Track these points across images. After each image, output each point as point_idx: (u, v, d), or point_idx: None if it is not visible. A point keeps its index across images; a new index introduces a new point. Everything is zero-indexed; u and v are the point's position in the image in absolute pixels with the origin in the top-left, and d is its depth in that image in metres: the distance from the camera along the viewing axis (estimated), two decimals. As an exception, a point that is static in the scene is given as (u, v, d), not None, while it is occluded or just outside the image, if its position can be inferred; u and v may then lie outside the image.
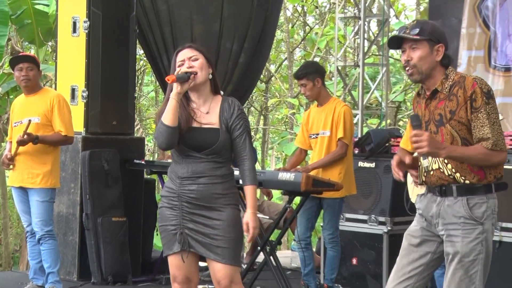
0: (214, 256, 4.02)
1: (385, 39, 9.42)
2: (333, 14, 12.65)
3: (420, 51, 3.65)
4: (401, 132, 8.36)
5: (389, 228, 6.58)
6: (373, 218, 6.71)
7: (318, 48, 14.63)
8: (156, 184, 10.00)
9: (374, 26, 13.81)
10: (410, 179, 4.75)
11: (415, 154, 3.75)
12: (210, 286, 5.95)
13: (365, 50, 9.00)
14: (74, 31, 7.00)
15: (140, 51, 10.75)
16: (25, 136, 5.96)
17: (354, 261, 6.81)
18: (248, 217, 4.07)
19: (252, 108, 16.78)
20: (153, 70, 8.59)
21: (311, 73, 6.27)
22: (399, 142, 6.42)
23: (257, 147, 16.69)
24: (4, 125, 12.30)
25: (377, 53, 13.16)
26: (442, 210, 3.66)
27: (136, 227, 7.14)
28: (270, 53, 10.69)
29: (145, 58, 12.98)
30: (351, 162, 6.31)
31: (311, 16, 16.43)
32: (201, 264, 4.62)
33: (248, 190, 4.09)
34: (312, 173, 6.09)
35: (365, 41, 8.97)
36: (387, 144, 6.79)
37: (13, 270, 12.19)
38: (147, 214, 7.33)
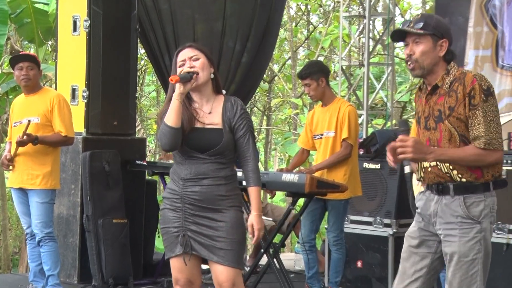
0: (217, 259, 4.02)
1: (390, 39, 9.42)
2: (338, 12, 12.65)
3: (423, 45, 3.65)
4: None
5: (394, 230, 6.58)
6: (378, 220, 6.71)
7: (322, 47, 14.64)
8: (158, 186, 10.00)
9: (379, 25, 13.82)
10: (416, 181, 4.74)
11: (406, 171, 3.73)
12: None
13: (370, 50, 9.01)
14: (75, 30, 7.01)
15: (141, 51, 10.75)
16: (25, 137, 5.96)
17: (359, 264, 6.81)
18: (252, 219, 4.07)
19: (255, 108, 16.79)
20: (155, 69, 8.60)
21: (315, 72, 6.26)
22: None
23: (260, 148, 16.69)
24: (4, 125, 12.32)
25: (382, 53, 13.13)
26: (440, 209, 3.67)
27: (137, 229, 7.14)
28: (273, 53, 10.68)
29: (146, 58, 12.98)
30: (356, 163, 6.30)
31: (315, 15, 16.43)
32: (203, 266, 4.62)
33: (252, 191, 4.09)
34: (316, 174, 6.09)
35: (370, 40, 8.97)
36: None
37: (12, 272, 12.20)
38: (149, 216, 7.33)
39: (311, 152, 6.71)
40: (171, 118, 3.99)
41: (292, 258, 8.44)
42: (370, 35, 9.12)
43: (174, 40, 8.02)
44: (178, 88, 4.00)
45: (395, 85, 12.57)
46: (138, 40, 7.56)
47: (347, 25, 10.12)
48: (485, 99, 3.57)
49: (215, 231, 4.03)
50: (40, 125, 6.09)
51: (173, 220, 4.07)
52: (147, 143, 11.84)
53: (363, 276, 6.79)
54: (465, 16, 7.20)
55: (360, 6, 9.64)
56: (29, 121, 6.01)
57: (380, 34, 10.55)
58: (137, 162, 7.07)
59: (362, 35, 9.23)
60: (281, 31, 14.06)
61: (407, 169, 3.70)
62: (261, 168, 14.49)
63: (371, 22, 9.26)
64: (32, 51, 12.62)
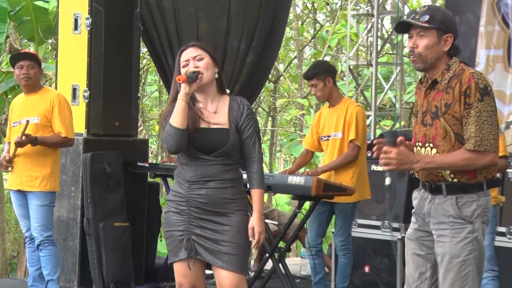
0: (221, 264, 4.02)
1: (399, 38, 9.43)
2: (345, 11, 12.66)
3: (427, 39, 3.65)
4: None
5: (403, 234, 6.57)
6: (386, 224, 6.70)
7: (329, 46, 14.63)
8: (160, 188, 10.01)
9: (387, 23, 13.81)
10: None
11: (386, 182, 3.75)
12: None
13: (379, 49, 9.01)
14: (76, 28, 7.01)
15: (143, 49, 10.76)
16: (23, 137, 5.96)
17: (367, 269, 6.81)
18: (254, 222, 4.07)
19: (259, 109, 16.78)
20: (157, 69, 8.60)
21: (322, 72, 6.26)
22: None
23: (265, 150, 16.70)
24: (2, 125, 12.34)
25: (391, 52, 13.15)
26: (433, 208, 3.68)
27: (139, 233, 7.14)
28: (279, 52, 10.68)
29: (148, 57, 13.01)
30: (365, 165, 6.30)
31: (321, 13, 16.42)
32: (207, 271, 4.62)
33: (255, 193, 4.09)
34: (323, 176, 6.09)
35: (378, 39, 8.96)
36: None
37: (10, 277, 12.21)
38: (151, 219, 7.34)
39: (318, 154, 6.70)
40: (177, 119, 3.98)
41: (298, 263, 8.44)
42: (379, 34, 9.12)
43: (177, 39, 8.02)
44: (184, 89, 4.00)
45: (404, 85, 12.56)
46: (141, 39, 7.57)
47: (355, 23, 10.12)
48: (480, 98, 3.57)
49: (220, 235, 4.03)
50: (40, 125, 6.10)
51: (177, 223, 4.07)
52: (149, 144, 11.84)
53: (371, 282, 6.79)
54: (476, 14, 7.21)
55: (368, 4, 9.64)
56: (27, 121, 6.00)
57: (389, 33, 10.54)
58: (139, 163, 7.07)
59: (370, 34, 9.22)
60: (287, 29, 14.06)
61: (387, 181, 3.74)
62: (266, 170, 14.50)
63: (379, 20, 9.26)
64: (31, 50, 12.64)
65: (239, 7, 8.25)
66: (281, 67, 16.28)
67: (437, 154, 3.64)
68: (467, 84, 3.58)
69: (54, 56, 10.42)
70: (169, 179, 7.06)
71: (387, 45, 11.48)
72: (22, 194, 6.16)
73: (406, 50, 11.33)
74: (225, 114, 4.09)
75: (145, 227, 7.27)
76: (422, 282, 3.75)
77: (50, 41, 11.95)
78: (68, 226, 6.98)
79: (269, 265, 6.40)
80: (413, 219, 3.81)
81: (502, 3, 7.02)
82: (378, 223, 6.75)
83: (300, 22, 15.37)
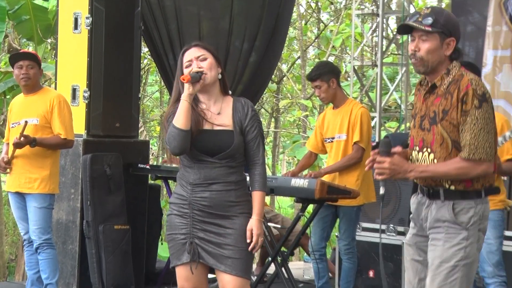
0: (224, 268, 4.02)
1: (405, 38, 9.43)
2: (349, 10, 12.66)
3: (429, 43, 3.65)
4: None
5: (408, 238, 6.57)
6: (391, 227, 6.70)
7: (333, 46, 14.64)
8: (161, 190, 10.01)
9: (393, 23, 13.80)
10: None
11: (381, 192, 3.79)
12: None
13: (384, 49, 9.02)
14: (76, 27, 7.02)
15: (144, 49, 10.77)
16: (22, 138, 5.96)
17: (371, 273, 6.80)
18: (253, 224, 4.06)
19: (262, 110, 16.79)
20: (158, 69, 8.61)
21: (325, 73, 6.26)
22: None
23: (268, 152, 16.70)
24: (1, 126, 12.35)
25: (396, 52, 13.15)
26: (430, 213, 3.70)
27: (139, 236, 7.15)
28: (282, 52, 10.69)
29: (149, 57, 13.02)
30: (370, 167, 6.28)
31: (325, 13, 16.43)
32: (209, 275, 4.62)
33: (256, 195, 4.09)
34: (327, 179, 6.08)
35: (384, 39, 8.97)
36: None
37: (8, 280, 12.22)
38: (151, 222, 7.34)
39: (322, 156, 6.70)
40: (180, 120, 3.98)
41: (301, 267, 8.44)
42: (384, 34, 9.12)
43: (178, 38, 8.03)
44: (187, 89, 4.00)
45: (410, 86, 12.55)
46: (142, 39, 7.57)
47: (360, 23, 10.12)
48: (478, 105, 3.57)
49: (223, 239, 4.03)
50: (39, 126, 6.10)
51: (180, 226, 4.07)
52: (150, 146, 11.85)
53: (375, 286, 6.78)
54: (483, 14, 7.21)
55: (373, 4, 9.64)
56: (25, 121, 6.01)
57: (394, 33, 10.53)
58: (139, 165, 7.07)
59: (375, 34, 9.23)
60: (290, 29, 14.08)
61: (381, 190, 3.78)
62: (269, 173, 14.49)
63: (384, 20, 9.26)
64: (30, 49, 12.65)
65: (242, 6, 8.26)
66: (284, 67, 16.30)
67: (432, 163, 3.66)
68: (465, 91, 3.58)
69: (53, 56, 10.42)
70: (170, 181, 7.06)
71: (393, 45, 11.49)
72: (21, 196, 6.17)
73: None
74: (229, 115, 4.09)
75: (146, 230, 7.27)
76: None
77: (49, 40, 11.97)
78: (67, 229, 6.98)
79: (271, 269, 6.39)
80: (411, 224, 3.83)
81: (510, 2, 7.02)
82: (383, 226, 6.74)
83: (303, 22, 15.39)
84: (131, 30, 7.20)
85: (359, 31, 10.81)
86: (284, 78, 16.34)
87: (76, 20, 7.00)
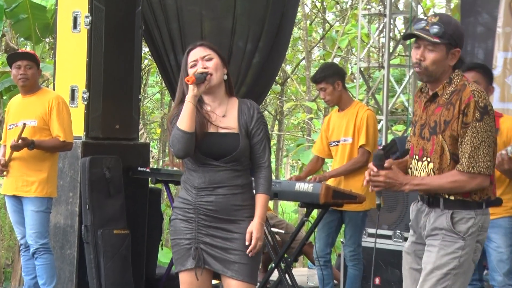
0: (231, 273, 4.03)
1: (412, 40, 9.43)
2: (356, 10, 12.67)
3: (436, 54, 3.66)
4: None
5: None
6: (398, 233, 6.70)
7: (338, 47, 14.64)
8: (162, 194, 10.02)
9: (400, 24, 13.82)
10: None
11: (377, 202, 3.88)
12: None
13: (391, 50, 9.02)
14: (75, 27, 7.03)
15: (145, 49, 10.78)
16: (20, 141, 5.97)
17: (377, 280, 6.80)
18: (253, 227, 4.06)
19: (266, 112, 16.80)
20: (159, 69, 8.62)
21: (331, 75, 6.26)
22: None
23: (271, 155, 16.69)
24: (-3, 128, 12.35)
25: (403, 54, 13.14)
26: (428, 221, 3.72)
27: (139, 241, 7.15)
28: (287, 53, 10.69)
29: (150, 57, 13.02)
30: (376, 172, 6.28)
31: (331, 13, 16.44)
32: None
33: (260, 198, 4.09)
34: (332, 183, 6.09)
35: (391, 40, 8.97)
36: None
37: (4, 286, 12.22)
38: (152, 227, 7.35)
39: (327, 160, 6.70)
40: (185, 122, 3.98)
41: (305, 274, 8.44)
42: (391, 34, 9.13)
43: (180, 38, 8.04)
44: (192, 90, 3.99)
45: (417, 88, 12.57)
46: (142, 38, 7.58)
47: (366, 23, 10.13)
48: (479, 118, 3.59)
49: (230, 244, 4.03)
50: (37, 128, 6.11)
51: (185, 231, 4.07)
52: (151, 149, 11.85)
53: (381, 294, 6.78)
54: (493, 15, 7.20)
55: (380, 4, 9.65)
56: (24, 124, 6.02)
57: (402, 33, 10.55)
58: (140, 168, 7.08)
59: (382, 35, 9.24)
60: (295, 29, 14.08)
61: (377, 200, 3.87)
62: (272, 177, 14.49)
63: (392, 20, 9.26)
64: (28, 49, 12.66)
65: (245, 6, 8.26)
66: (288, 68, 16.30)
67: (430, 173, 3.70)
68: (467, 102, 3.60)
69: (52, 56, 10.44)
70: (171, 185, 7.07)
71: (400, 47, 11.48)
72: (17, 200, 6.17)
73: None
74: (235, 118, 4.09)
75: (146, 235, 7.28)
76: None
77: (47, 40, 11.98)
78: (65, 234, 6.98)
79: (275, 275, 6.39)
80: (410, 232, 3.87)
81: (521, 3, 7.02)
82: (389, 232, 6.75)
83: (308, 22, 15.39)
84: (132, 30, 7.21)
85: (365, 31, 10.82)
86: (288, 80, 16.34)
87: (75, 19, 7.02)
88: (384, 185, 3.69)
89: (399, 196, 6.71)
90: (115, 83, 7.11)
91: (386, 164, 3.70)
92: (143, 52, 10.87)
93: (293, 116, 16.96)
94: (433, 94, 3.72)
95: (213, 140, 4.05)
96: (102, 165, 6.88)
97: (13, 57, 6.30)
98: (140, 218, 7.21)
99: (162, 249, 7.61)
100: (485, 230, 3.71)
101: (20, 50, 7.76)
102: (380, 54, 9.21)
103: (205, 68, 4.04)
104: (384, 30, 9.01)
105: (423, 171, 3.73)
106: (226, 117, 4.10)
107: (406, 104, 9.75)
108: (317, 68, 6.76)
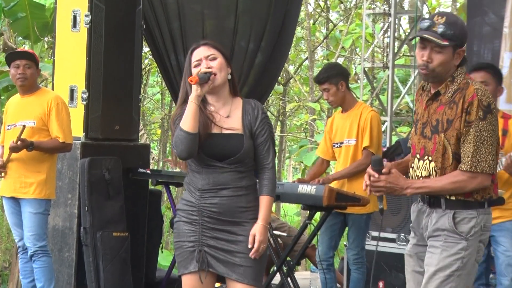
0: (236, 276, 4.03)
1: (418, 39, 9.44)
2: (360, 10, 12.68)
3: (443, 56, 3.67)
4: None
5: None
6: (402, 237, 6.70)
7: (342, 47, 14.65)
8: (162, 196, 10.03)
9: (405, 23, 13.82)
10: None
11: (379, 206, 3.92)
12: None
13: (395, 50, 9.02)
14: (74, 26, 7.04)
15: (145, 49, 10.79)
16: (19, 142, 5.98)
17: (381, 284, 6.80)
18: (256, 229, 4.06)
19: (268, 113, 16.82)
20: (160, 69, 8.62)
21: (334, 76, 6.26)
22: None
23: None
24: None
25: (408, 54, 13.15)
26: (430, 222, 3.73)
27: (139, 243, 7.16)
28: (289, 53, 10.71)
29: (150, 57, 13.04)
30: (380, 174, 6.29)
31: (335, 12, 16.45)
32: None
33: (264, 200, 4.09)
34: (336, 185, 6.09)
35: (395, 40, 8.98)
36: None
37: (1, 289, 12.22)
38: (152, 229, 7.35)
39: (333, 162, 6.70)
40: (188, 123, 3.98)
41: (307, 277, 8.43)
42: (396, 34, 9.13)
43: (181, 38, 8.04)
44: (195, 90, 3.99)
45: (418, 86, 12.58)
46: (143, 38, 7.58)
47: (371, 23, 10.14)
48: (482, 116, 3.60)
49: (234, 246, 4.04)
50: (36, 129, 6.11)
51: (188, 234, 4.08)
52: (151, 150, 11.86)
53: (385, 298, 6.78)
54: (499, 14, 7.20)
55: (385, 3, 9.66)
56: (23, 126, 6.03)
57: (407, 33, 10.55)
58: (140, 170, 7.09)
59: (386, 35, 9.25)
60: (298, 29, 14.09)
61: (379, 205, 3.93)
62: (274, 179, 14.49)
63: (396, 20, 9.27)
64: (26, 48, 12.68)
65: (247, 4, 8.26)
66: (291, 68, 16.31)
67: (432, 172, 3.71)
68: (470, 101, 3.61)
69: (50, 55, 10.45)
70: (171, 187, 7.07)
71: (405, 47, 11.50)
72: (15, 201, 6.18)
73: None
74: (239, 118, 4.09)
75: (146, 237, 7.28)
76: None
77: (46, 39, 11.99)
78: (63, 236, 6.99)
79: (277, 279, 6.40)
80: (411, 233, 3.88)
81: (528, 3, 7.02)
82: (393, 235, 6.75)
83: (312, 21, 15.40)
84: (132, 29, 7.22)
85: (370, 31, 10.83)
86: (291, 80, 16.35)
87: (74, 18, 7.02)
88: (385, 190, 3.71)
89: (403, 199, 6.71)
90: (115, 83, 7.11)
91: (384, 170, 3.71)
92: (143, 51, 10.90)
93: (296, 117, 16.96)
94: (435, 93, 3.73)
95: (217, 141, 4.05)
96: (101, 167, 6.88)
97: (12, 56, 6.31)
98: (140, 220, 7.21)
99: (162, 252, 7.62)
100: (487, 229, 3.72)
101: (19, 49, 7.77)
102: (385, 54, 9.23)
103: (209, 67, 4.04)
104: (389, 29, 9.02)
105: (425, 170, 3.74)
106: (230, 117, 4.10)
107: (411, 105, 9.75)
108: (320, 68, 6.77)
